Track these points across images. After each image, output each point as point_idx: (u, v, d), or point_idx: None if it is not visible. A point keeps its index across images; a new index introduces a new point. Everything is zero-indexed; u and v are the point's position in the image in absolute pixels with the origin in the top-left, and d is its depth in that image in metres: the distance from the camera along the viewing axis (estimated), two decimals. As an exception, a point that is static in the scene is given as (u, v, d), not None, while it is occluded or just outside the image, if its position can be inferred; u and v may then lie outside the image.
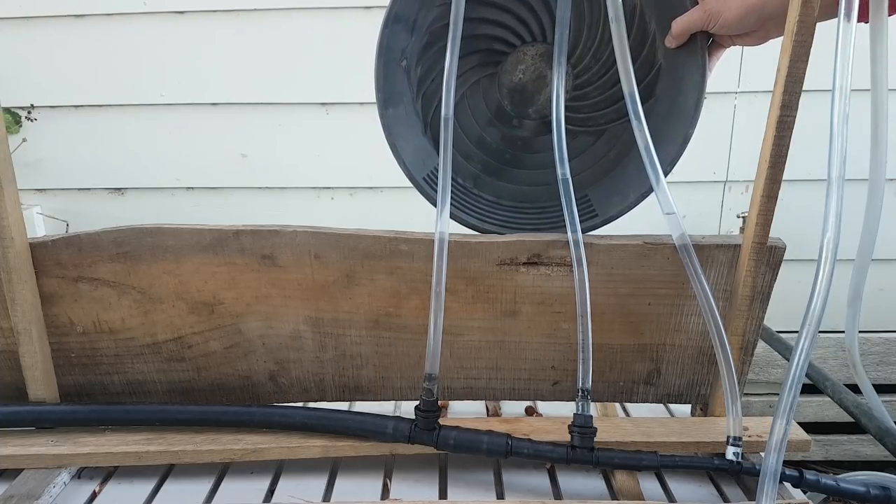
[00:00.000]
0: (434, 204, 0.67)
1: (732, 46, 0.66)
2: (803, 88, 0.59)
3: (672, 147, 0.67)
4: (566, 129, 0.65)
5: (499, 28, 0.68)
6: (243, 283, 0.70)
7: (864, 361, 1.31)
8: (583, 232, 0.66)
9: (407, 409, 0.80)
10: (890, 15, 0.57)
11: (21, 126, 1.31)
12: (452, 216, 0.68)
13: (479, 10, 0.67)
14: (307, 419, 0.69)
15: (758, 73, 1.27)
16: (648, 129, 0.61)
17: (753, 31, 0.63)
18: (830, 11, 0.56)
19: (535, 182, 0.73)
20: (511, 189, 0.73)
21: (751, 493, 0.68)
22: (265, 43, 1.27)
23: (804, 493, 0.66)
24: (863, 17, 0.56)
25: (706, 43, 0.65)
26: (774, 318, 0.92)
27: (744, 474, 0.66)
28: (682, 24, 0.63)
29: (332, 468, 0.71)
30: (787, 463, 0.58)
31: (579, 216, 0.65)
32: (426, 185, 0.69)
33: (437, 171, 0.64)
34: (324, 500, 0.66)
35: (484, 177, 0.73)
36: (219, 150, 1.35)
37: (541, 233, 0.69)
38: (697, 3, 0.63)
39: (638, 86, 0.61)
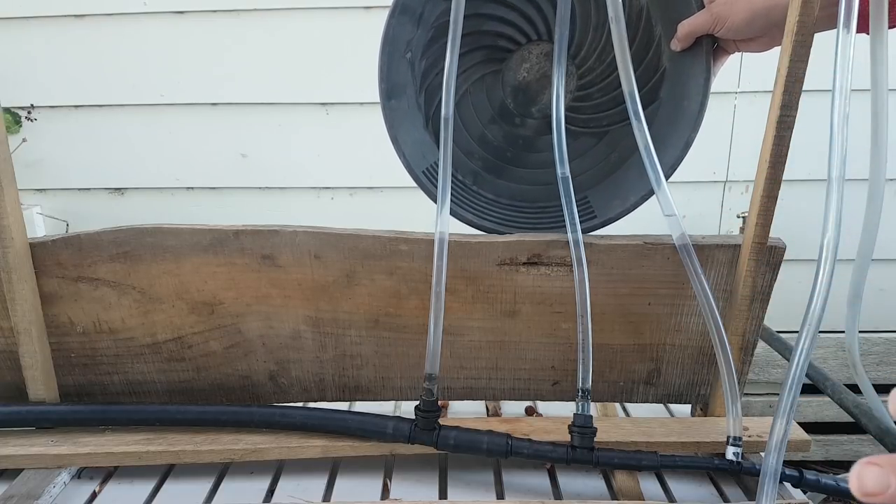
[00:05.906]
0: (432, 198, 0.67)
1: (736, 52, 0.66)
2: (803, 88, 0.59)
3: (674, 151, 0.67)
4: (568, 129, 0.64)
5: (504, 25, 0.68)
6: (243, 283, 0.70)
7: (864, 361, 1.31)
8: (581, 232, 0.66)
9: (407, 409, 0.80)
10: (890, 27, 0.57)
11: (21, 126, 1.31)
12: (450, 212, 0.68)
13: (485, 7, 0.67)
14: (307, 419, 0.69)
15: (758, 73, 1.27)
16: (651, 133, 0.61)
17: (758, 36, 0.63)
18: (830, 22, 0.55)
19: (535, 181, 0.73)
20: (510, 188, 0.73)
21: (751, 493, 0.68)
22: (265, 43, 1.27)
23: (804, 493, 0.66)
24: (863, 28, 0.55)
25: (711, 47, 0.65)
26: (774, 318, 0.91)
27: (744, 474, 0.66)
28: (688, 27, 0.63)
29: (332, 468, 0.71)
30: (787, 463, 0.58)
31: (578, 217, 0.65)
32: (425, 179, 0.69)
33: (437, 165, 0.64)
34: (324, 500, 0.66)
35: (484, 174, 0.73)
36: (219, 150, 1.35)
37: (541, 233, 0.69)
38: (704, 7, 0.63)
39: (642, 89, 0.61)
